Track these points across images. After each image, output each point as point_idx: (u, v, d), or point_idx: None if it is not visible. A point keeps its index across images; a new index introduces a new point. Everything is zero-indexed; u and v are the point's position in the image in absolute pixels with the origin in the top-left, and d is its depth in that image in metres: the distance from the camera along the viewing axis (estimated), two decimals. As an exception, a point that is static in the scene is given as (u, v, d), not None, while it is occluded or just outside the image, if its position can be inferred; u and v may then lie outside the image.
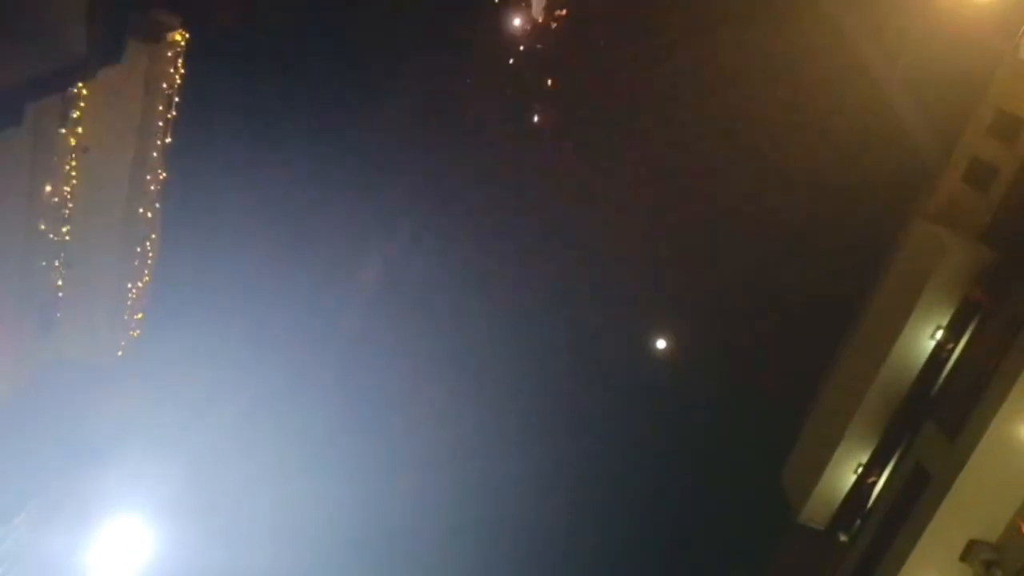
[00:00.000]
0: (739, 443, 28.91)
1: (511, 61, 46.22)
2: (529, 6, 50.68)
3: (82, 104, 16.41)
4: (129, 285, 21.39)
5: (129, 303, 21.68)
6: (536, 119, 44.17)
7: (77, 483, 18.05)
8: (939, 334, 21.06)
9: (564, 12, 48.35)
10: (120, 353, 21.78)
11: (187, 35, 19.94)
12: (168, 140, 20.68)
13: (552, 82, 45.45)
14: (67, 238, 17.85)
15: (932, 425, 19.62)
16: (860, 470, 23.47)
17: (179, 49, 19.91)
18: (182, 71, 20.34)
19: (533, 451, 29.05)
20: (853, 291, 23.68)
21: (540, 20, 51.33)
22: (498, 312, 31.90)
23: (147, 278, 22.31)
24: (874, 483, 23.10)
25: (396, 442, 28.49)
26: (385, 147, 30.41)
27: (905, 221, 22.35)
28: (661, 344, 33.55)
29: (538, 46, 48.30)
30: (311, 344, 28.42)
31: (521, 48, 47.72)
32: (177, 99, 20.75)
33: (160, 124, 19.88)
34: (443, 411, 29.26)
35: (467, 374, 30.69)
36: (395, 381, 30.01)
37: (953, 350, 20.86)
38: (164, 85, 19.54)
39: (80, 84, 15.91)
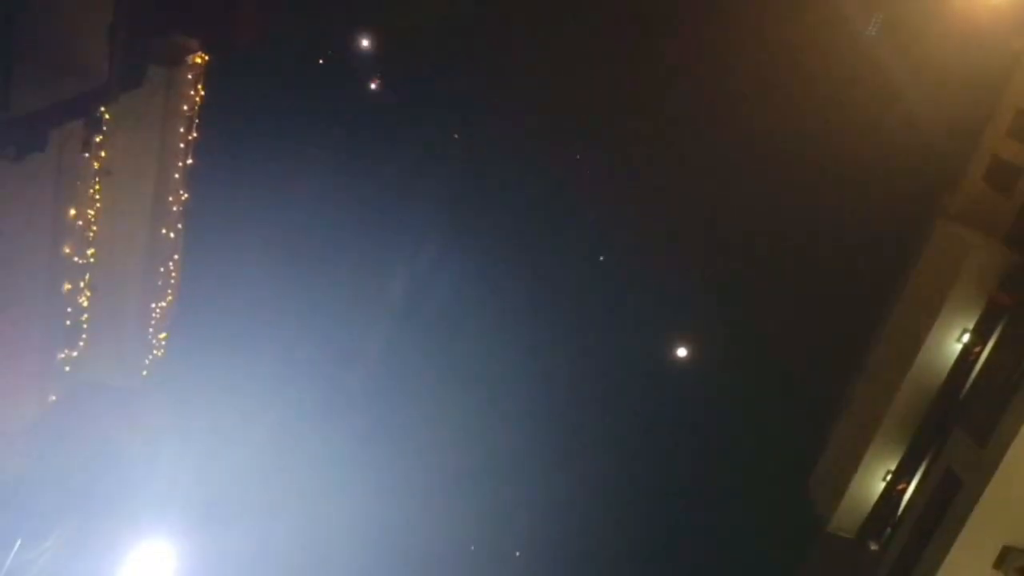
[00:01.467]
0: (765, 452, 28.64)
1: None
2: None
3: (105, 128, 16.64)
4: (153, 305, 21.63)
5: (153, 323, 21.92)
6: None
7: (105, 505, 18.18)
8: (966, 337, 20.79)
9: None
10: (145, 373, 22.00)
11: (206, 58, 20.26)
12: (190, 162, 20.96)
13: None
14: (92, 260, 18.07)
15: (961, 431, 19.33)
16: (889, 477, 23.15)
17: (199, 72, 20.22)
18: (202, 93, 20.65)
19: (563, 466, 28.94)
20: (878, 293, 23.46)
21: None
22: (521, 324, 31.83)
23: (171, 298, 22.56)
24: (904, 490, 22.78)
25: (424, 462, 28.40)
26: (405, 164, 30.56)
27: (929, 222, 22.13)
28: (683, 351, 33.32)
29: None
30: (336, 363, 28.44)
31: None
32: (198, 121, 21.07)
33: (182, 146, 20.16)
34: (469, 430, 29.20)
35: (492, 391, 30.62)
36: (421, 400, 29.98)
37: (980, 353, 20.58)
38: (185, 107, 19.83)
39: (102, 108, 16.16)
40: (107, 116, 16.66)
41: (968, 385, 20.89)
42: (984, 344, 20.44)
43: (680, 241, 31.92)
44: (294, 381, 27.50)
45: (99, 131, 16.62)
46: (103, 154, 17.02)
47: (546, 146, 32.78)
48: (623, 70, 33.04)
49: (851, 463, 23.34)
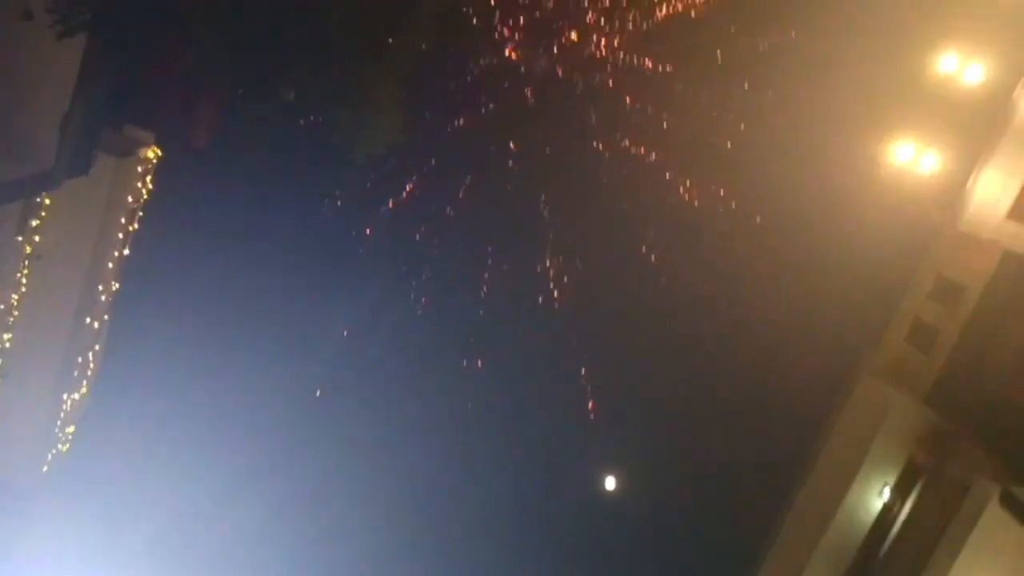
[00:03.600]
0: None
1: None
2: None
3: (43, 213, 16.34)
4: (65, 396, 20.68)
5: (62, 416, 20.89)
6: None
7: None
8: (886, 493, 21.03)
9: None
10: (46, 469, 20.80)
11: (159, 152, 20.23)
12: (126, 252, 20.57)
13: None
14: (7, 345, 17.33)
15: (880, 588, 19.25)
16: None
17: (149, 165, 20.14)
18: (150, 186, 20.49)
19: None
20: (802, 443, 23.77)
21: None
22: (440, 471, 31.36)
23: (84, 390, 21.62)
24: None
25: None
26: (349, 292, 30.29)
27: (854, 376, 22.74)
28: (609, 484, 32.80)
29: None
30: (240, 473, 27.60)
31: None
32: (142, 213, 20.82)
33: (120, 236, 19.83)
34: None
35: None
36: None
37: (899, 512, 20.78)
38: (129, 199, 19.64)
39: (44, 193, 15.89)
40: (47, 201, 16.38)
41: (888, 543, 20.97)
42: (903, 502, 20.68)
43: (611, 377, 31.93)
44: (195, 488, 26.53)
45: (36, 215, 16.30)
46: (36, 238, 16.62)
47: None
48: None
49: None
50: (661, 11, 27.91)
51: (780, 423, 24.94)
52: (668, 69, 28.42)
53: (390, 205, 29.28)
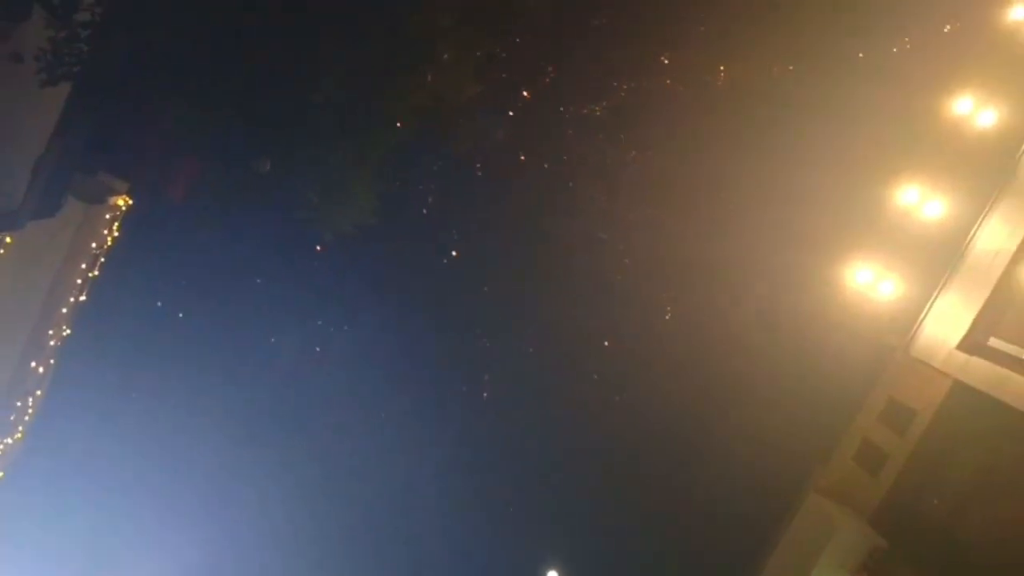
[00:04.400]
0: None
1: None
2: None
3: (1, 251, 16.02)
4: (-2, 441, 19.95)
5: (-8, 461, 20.11)
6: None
7: None
8: (827, 614, 20.82)
9: None
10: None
11: (130, 201, 20.07)
12: (83, 298, 20.18)
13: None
14: (-56, 384, 16.76)
15: None
16: None
17: (118, 213, 19.96)
18: (116, 234, 20.27)
19: None
20: (746, 556, 23.54)
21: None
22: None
23: (19, 435, 20.87)
24: None
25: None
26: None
27: (800, 493, 22.76)
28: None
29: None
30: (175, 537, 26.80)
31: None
32: (103, 260, 20.52)
33: (78, 282, 19.49)
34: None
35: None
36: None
37: (840, 633, 20.54)
38: (93, 245, 19.39)
39: (5, 234, 15.62)
40: (7, 240, 16.09)
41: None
42: (845, 624, 20.45)
43: (552, 481, 31.39)
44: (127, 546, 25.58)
45: (-6, 253, 15.97)
46: (-8, 276, 16.28)
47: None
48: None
49: None
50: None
51: (725, 535, 24.74)
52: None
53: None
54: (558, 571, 32.30)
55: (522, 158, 28.37)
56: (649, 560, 28.05)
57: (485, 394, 31.92)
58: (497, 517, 30.83)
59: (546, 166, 28.75)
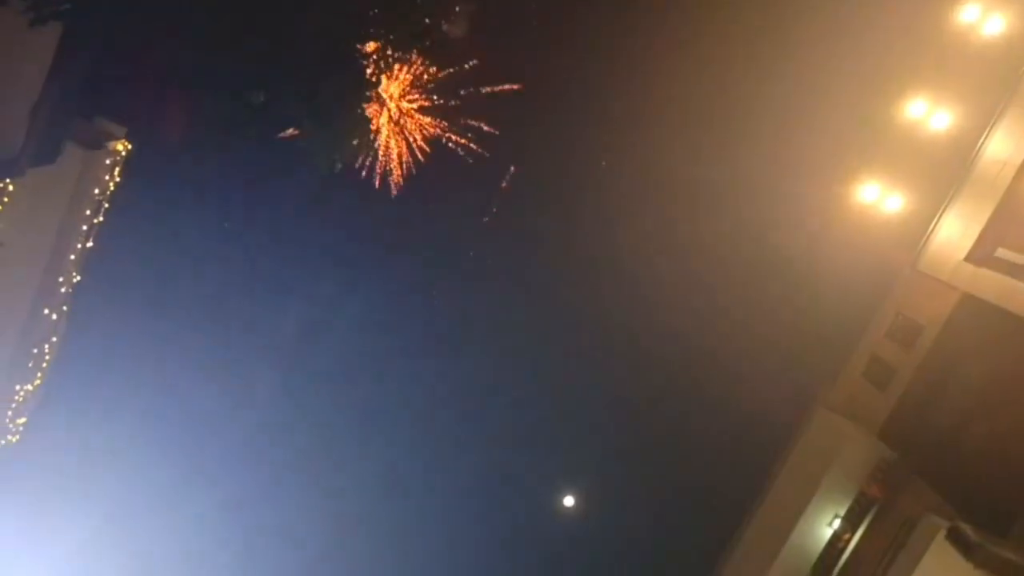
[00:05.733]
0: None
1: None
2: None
3: (5, 199, 16.02)
4: (18, 387, 20.27)
5: (14, 406, 20.47)
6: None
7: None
8: (837, 523, 21.31)
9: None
10: (-7, 459, 20.38)
11: (129, 146, 19.94)
12: (90, 245, 20.24)
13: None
14: (-40, 333, 16.98)
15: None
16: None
17: (118, 158, 19.85)
18: (118, 179, 20.19)
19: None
20: (756, 472, 24.02)
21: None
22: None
23: (39, 381, 21.20)
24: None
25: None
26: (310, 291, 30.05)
27: (810, 409, 23.06)
28: (568, 502, 32.78)
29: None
30: (192, 470, 27.32)
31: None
32: (108, 206, 20.49)
33: (84, 228, 19.51)
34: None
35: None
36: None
37: (849, 541, 21.06)
38: (96, 191, 19.34)
39: (7, 180, 15.60)
40: (11, 187, 16.08)
41: (836, 571, 21.21)
42: (853, 533, 20.96)
43: (571, 403, 31.80)
44: (151, 496, 26.18)
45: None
46: (-2, 225, 16.32)
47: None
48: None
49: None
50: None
51: (737, 451, 25.18)
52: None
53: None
54: (574, 495, 33.04)
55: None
56: (664, 477, 28.69)
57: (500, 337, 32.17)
58: (521, 445, 31.44)
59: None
